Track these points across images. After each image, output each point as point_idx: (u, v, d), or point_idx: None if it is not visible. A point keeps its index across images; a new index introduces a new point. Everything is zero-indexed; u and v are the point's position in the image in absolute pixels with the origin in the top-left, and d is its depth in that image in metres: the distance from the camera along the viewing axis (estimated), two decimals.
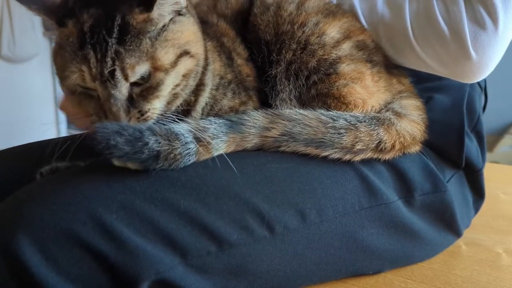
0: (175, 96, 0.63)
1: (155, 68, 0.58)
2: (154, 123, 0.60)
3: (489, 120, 1.02)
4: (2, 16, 2.73)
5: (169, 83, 0.60)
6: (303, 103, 0.72)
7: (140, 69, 0.57)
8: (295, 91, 0.72)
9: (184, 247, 0.56)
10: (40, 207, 0.53)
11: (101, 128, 0.54)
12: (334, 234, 0.67)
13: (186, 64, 0.61)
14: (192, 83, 0.64)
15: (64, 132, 3.12)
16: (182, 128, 0.59)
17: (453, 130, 0.81)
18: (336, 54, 0.72)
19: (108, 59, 0.55)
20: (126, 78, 0.56)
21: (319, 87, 0.71)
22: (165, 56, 0.58)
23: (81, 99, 0.61)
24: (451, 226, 0.79)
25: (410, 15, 0.77)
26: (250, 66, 0.74)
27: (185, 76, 0.62)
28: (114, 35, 0.56)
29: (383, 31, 0.80)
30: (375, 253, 0.72)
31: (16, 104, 2.88)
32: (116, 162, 0.57)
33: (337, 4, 0.81)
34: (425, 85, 0.83)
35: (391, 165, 0.72)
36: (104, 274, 0.53)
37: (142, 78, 0.58)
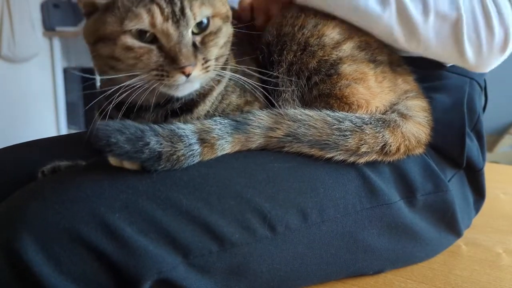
0: (218, 58, 0.65)
1: (215, 14, 0.63)
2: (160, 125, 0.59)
3: (489, 120, 1.02)
4: (2, 16, 2.73)
5: (225, 32, 0.65)
6: (306, 103, 0.72)
7: (205, 11, 0.61)
8: (297, 92, 0.72)
9: (186, 246, 0.57)
10: (42, 206, 0.53)
11: (102, 125, 0.54)
12: (335, 234, 0.67)
13: (229, 28, 0.67)
14: (226, 53, 0.68)
15: (64, 131, 3.11)
16: (186, 129, 0.60)
17: (454, 130, 0.81)
18: (336, 55, 0.72)
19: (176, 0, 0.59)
20: (194, 16, 0.60)
21: (320, 87, 0.71)
22: (222, 7, 0.65)
23: (137, 57, 0.59)
24: (452, 226, 0.79)
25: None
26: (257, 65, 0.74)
27: (228, 38, 0.67)
28: None
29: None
30: (375, 253, 0.72)
31: (16, 104, 2.88)
32: (112, 161, 0.57)
33: None
34: (425, 85, 0.82)
35: (393, 165, 0.72)
36: (106, 273, 0.53)
37: (202, 27, 0.62)
